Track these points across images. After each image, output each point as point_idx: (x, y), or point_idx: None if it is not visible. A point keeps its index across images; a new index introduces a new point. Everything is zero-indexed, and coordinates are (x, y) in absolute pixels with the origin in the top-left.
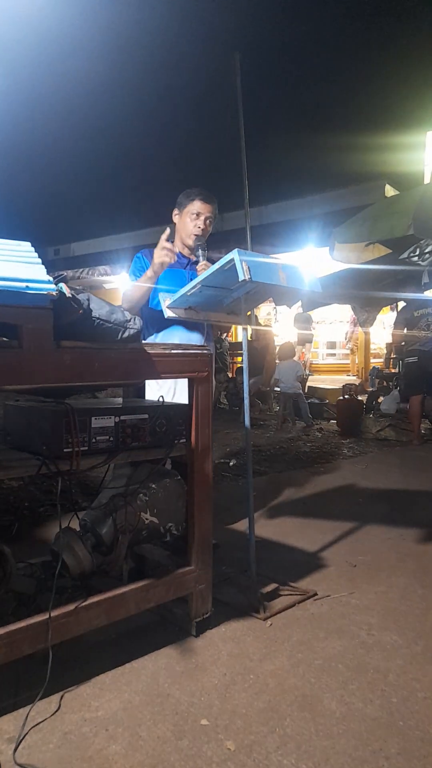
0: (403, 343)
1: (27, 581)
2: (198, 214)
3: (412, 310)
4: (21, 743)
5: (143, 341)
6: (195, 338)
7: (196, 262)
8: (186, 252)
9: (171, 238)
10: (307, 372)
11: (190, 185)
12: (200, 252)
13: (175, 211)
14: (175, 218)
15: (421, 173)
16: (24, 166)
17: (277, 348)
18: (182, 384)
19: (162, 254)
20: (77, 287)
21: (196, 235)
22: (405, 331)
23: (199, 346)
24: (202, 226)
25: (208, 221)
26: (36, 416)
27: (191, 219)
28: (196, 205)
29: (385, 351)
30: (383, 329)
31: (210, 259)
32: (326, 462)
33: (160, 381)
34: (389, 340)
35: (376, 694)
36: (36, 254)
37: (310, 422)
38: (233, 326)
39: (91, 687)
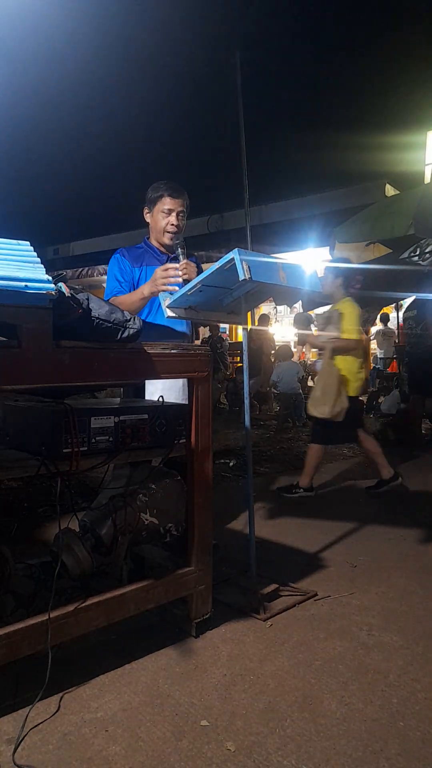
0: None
1: (26, 582)
2: (169, 211)
3: (404, 312)
4: (20, 744)
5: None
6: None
7: (175, 259)
8: (163, 249)
9: (147, 236)
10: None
11: (190, 184)
12: (179, 250)
13: (146, 210)
14: (147, 217)
15: (422, 173)
16: (23, 165)
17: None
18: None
19: (161, 282)
20: (76, 286)
21: (170, 233)
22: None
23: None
24: (175, 223)
25: (180, 216)
26: (35, 416)
27: (162, 216)
28: (166, 202)
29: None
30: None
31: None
32: (327, 462)
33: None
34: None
35: (377, 694)
36: (35, 253)
37: (301, 422)
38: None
39: (91, 688)
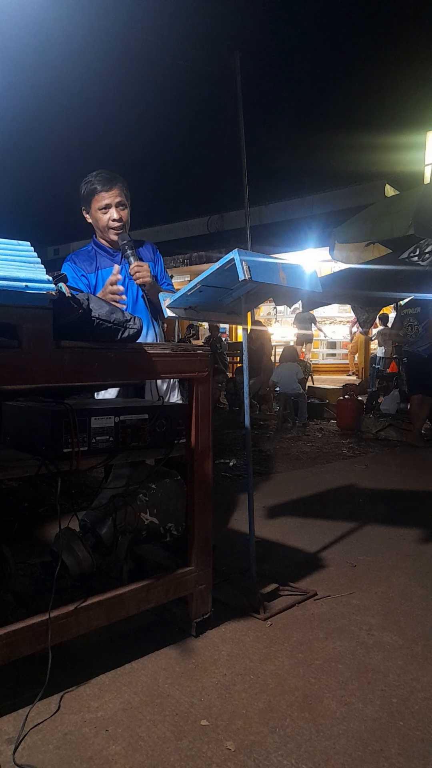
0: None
1: (26, 582)
2: (106, 206)
3: (402, 309)
4: (21, 744)
5: None
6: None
7: (134, 258)
8: (114, 247)
9: (94, 234)
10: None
11: (189, 185)
12: (129, 252)
13: (83, 209)
14: (87, 217)
15: (422, 173)
16: (24, 166)
17: (274, 349)
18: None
19: (110, 299)
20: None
21: (113, 228)
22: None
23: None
24: (116, 217)
25: (120, 207)
26: (35, 416)
27: (102, 213)
28: (101, 197)
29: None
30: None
31: (140, 255)
32: (326, 462)
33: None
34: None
35: (376, 694)
36: (35, 254)
37: (303, 421)
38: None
39: (91, 687)
